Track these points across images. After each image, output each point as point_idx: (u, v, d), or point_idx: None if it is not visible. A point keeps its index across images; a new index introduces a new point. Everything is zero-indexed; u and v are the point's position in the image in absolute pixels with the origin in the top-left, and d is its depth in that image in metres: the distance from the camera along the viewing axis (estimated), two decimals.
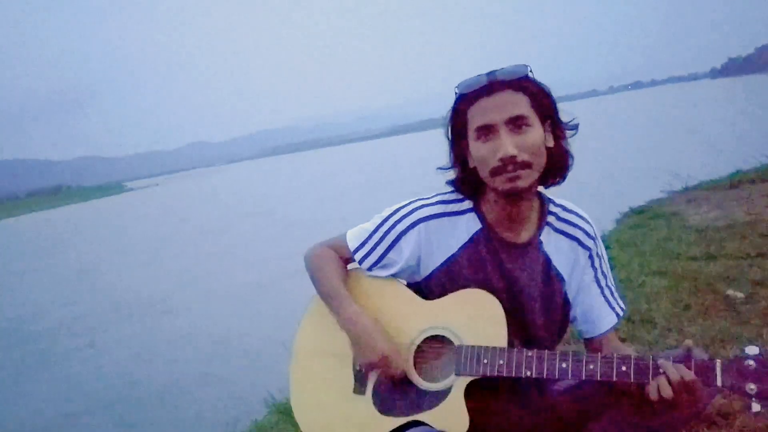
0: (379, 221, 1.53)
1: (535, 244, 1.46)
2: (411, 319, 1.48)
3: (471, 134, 1.37)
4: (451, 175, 1.48)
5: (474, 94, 1.34)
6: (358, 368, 1.50)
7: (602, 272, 1.51)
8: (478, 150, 1.35)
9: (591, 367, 1.28)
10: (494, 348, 1.36)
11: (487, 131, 1.33)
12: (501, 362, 1.34)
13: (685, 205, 6.47)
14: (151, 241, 20.91)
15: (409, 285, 1.55)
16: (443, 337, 1.44)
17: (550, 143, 1.37)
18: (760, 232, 4.48)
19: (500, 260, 1.45)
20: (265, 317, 7.89)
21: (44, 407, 6.46)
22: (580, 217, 1.50)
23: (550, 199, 1.50)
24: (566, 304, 1.49)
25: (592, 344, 1.53)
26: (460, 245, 1.46)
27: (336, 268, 1.56)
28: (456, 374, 1.38)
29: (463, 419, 1.35)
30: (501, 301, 1.40)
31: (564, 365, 1.30)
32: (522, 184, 1.32)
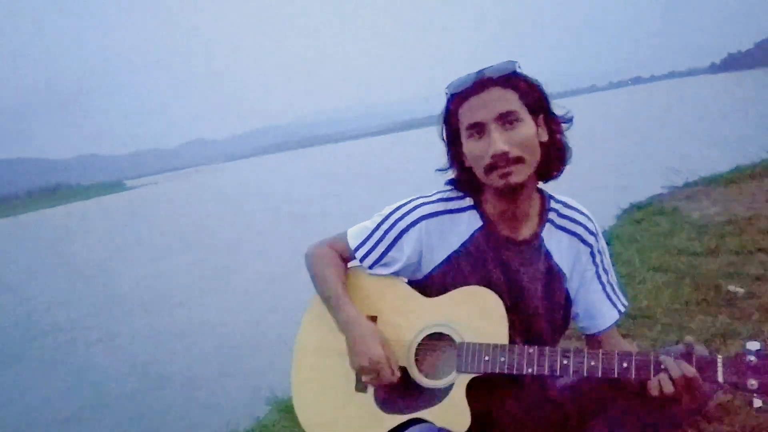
0: (380, 219, 1.53)
1: (536, 240, 1.46)
2: (412, 316, 1.48)
3: (463, 133, 1.38)
4: (451, 175, 1.49)
5: (463, 94, 1.35)
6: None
7: (604, 268, 1.51)
8: (471, 148, 1.36)
9: (592, 363, 1.28)
10: (495, 345, 1.36)
11: (478, 129, 1.33)
12: (502, 359, 1.34)
13: (685, 201, 6.47)
14: (155, 239, 20.93)
15: (410, 283, 1.55)
16: (445, 334, 1.44)
17: (545, 138, 1.38)
18: (760, 227, 4.49)
19: (501, 257, 1.45)
20: (267, 315, 7.91)
21: (54, 401, 6.53)
22: (581, 213, 1.50)
23: (551, 195, 1.50)
24: (567, 300, 1.49)
25: (593, 340, 1.53)
26: (461, 242, 1.47)
27: (335, 270, 1.56)
28: (457, 371, 1.38)
29: (465, 416, 1.35)
30: (502, 298, 1.40)
31: (565, 362, 1.30)
32: (515, 179, 1.33)
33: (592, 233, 1.49)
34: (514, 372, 1.33)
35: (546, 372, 1.31)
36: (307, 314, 1.63)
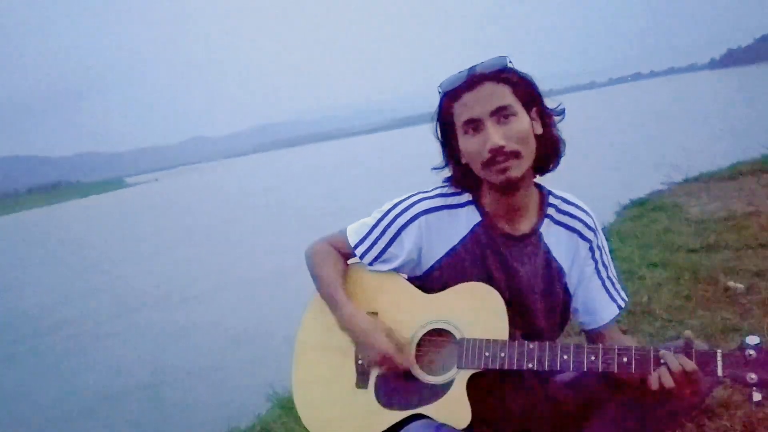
0: (379, 216, 1.53)
1: (535, 236, 1.46)
2: (412, 313, 1.49)
3: (459, 130, 1.38)
4: (447, 173, 1.49)
5: (456, 91, 1.36)
6: (360, 362, 1.51)
7: (603, 264, 1.51)
8: (467, 145, 1.36)
9: (592, 358, 1.28)
10: (495, 341, 1.37)
11: (473, 125, 1.34)
12: (502, 355, 1.35)
13: (685, 197, 6.47)
14: (155, 236, 20.92)
15: (410, 279, 1.55)
16: (445, 330, 1.45)
17: (539, 131, 1.38)
18: (760, 223, 4.48)
19: (500, 252, 1.45)
20: (268, 311, 7.92)
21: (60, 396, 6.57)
22: (580, 209, 1.50)
23: (550, 191, 1.50)
24: (567, 295, 1.49)
25: (593, 336, 1.53)
26: (460, 238, 1.47)
27: (335, 267, 1.57)
28: (458, 367, 1.39)
29: (466, 412, 1.36)
30: (501, 294, 1.40)
31: (565, 357, 1.31)
32: (513, 174, 1.33)
33: (591, 228, 1.49)
34: (515, 367, 1.34)
35: (546, 367, 1.32)
36: (307, 311, 1.63)
